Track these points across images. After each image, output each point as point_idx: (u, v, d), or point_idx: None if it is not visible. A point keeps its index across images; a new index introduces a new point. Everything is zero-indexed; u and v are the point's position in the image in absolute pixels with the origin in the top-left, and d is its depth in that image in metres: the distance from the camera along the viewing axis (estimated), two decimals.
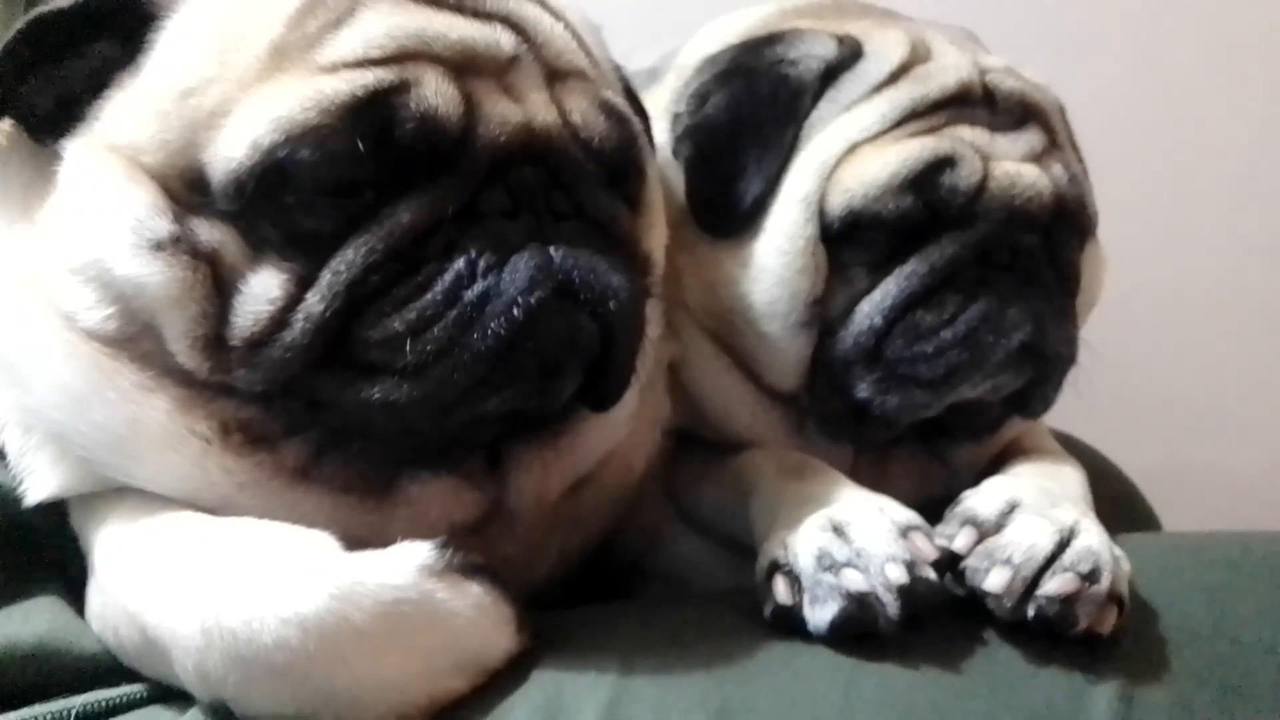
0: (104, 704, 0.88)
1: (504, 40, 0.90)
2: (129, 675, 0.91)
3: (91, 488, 0.93)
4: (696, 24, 1.32)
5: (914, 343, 1.10)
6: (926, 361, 1.10)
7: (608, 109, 0.95)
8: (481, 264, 0.84)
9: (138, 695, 0.89)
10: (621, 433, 1.08)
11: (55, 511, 0.96)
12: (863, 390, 1.13)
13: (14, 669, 0.89)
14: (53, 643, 0.91)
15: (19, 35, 0.88)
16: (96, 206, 0.87)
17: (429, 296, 0.83)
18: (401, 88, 0.84)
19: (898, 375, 1.12)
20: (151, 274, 0.84)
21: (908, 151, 1.10)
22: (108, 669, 0.91)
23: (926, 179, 1.10)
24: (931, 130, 1.13)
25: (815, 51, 1.17)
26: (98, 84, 0.90)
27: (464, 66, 0.88)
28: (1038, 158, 1.15)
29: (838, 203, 1.11)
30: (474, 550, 0.85)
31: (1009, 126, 1.16)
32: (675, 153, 1.19)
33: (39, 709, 0.87)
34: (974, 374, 1.11)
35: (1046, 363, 1.14)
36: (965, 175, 1.10)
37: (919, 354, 1.10)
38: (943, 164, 1.10)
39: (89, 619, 0.94)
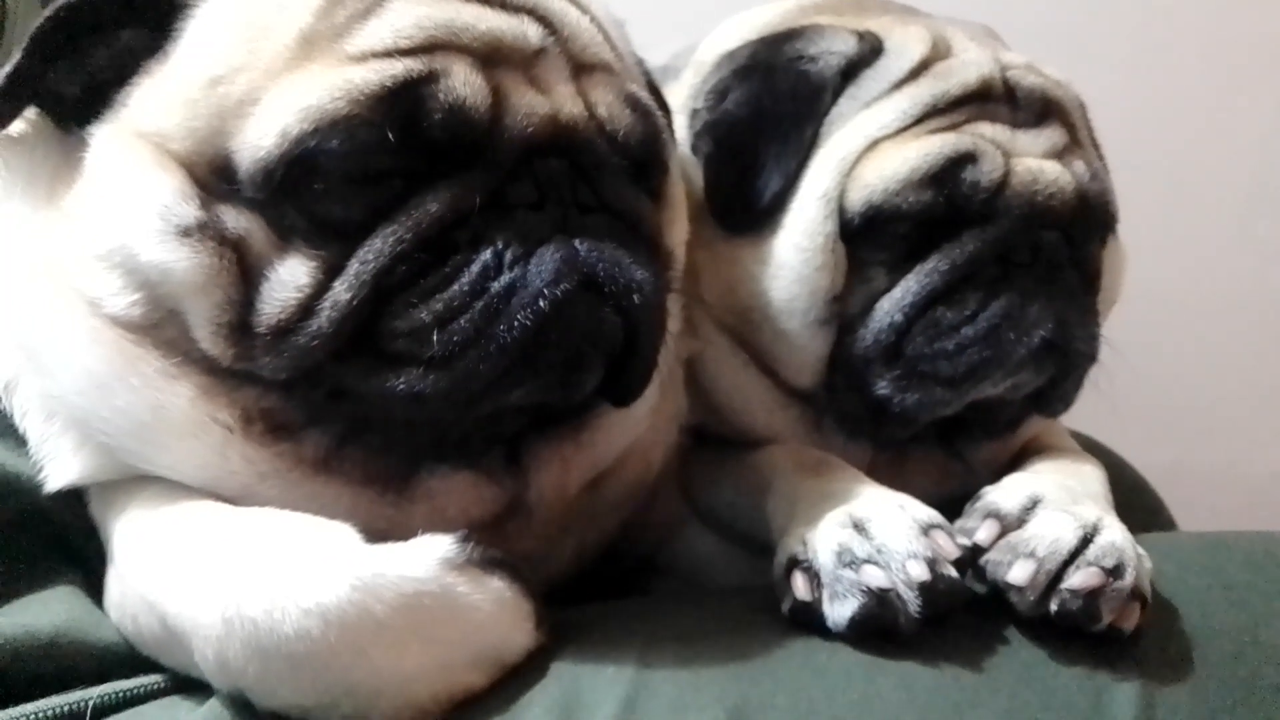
0: (122, 694, 0.88)
1: (531, 32, 0.90)
2: (147, 665, 0.91)
3: (112, 475, 0.93)
4: (711, 20, 1.32)
5: (935, 340, 1.10)
6: (947, 359, 1.10)
7: (633, 102, 0.95)
8: (508, 256, 0.85)
9: (156, 686, 0.90)
10: (641, 428, 1.08)
11: (74, 499, 0.96)
12: (882, 388, 1.13)
13: (32, 659, 0.89)
14: (71, 632, 0.91)
15: (47, 22, 0.89)
16: (123, 192, 0.87)
17: (456, 287, 0.84)
18: (430, 78, 0.84)
19: (918, 372, 1.11)
20: (178, 260, 0.84)
21: (929, 147, 1.10)
22: (126, 659, 0.91)
23: (947, 175, 1.10)
24: (953, 126, 1.13)
25: (835, 48, 1.17)
26: (125, 71, 0.90)
27: (491, 58, 0.88)
28: (1059, 154, 1.15)
29: (857, 199, 1.11)
30: (492, 545, 0.85)
31: (1030, 123, 1.16)
32: (694, 149, 1.19)
33: (56, 700, 0.87)
34: (995, 371, 1.11)
35: (1067, 361, 1.14)
36: (986, 171, 1.10)
37: (940, 351, 1.10)
38: (964, 160, 1.10)
39: (107, 608, 0.94)
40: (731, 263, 1.17)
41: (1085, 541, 0.90)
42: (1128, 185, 1.24)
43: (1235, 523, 1.14)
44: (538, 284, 0.84)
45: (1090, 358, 1.16)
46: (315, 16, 0.86)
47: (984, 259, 1.10)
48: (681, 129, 1.19)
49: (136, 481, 0.92)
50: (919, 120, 1.13)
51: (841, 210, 1.12)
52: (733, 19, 1.29)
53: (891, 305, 1.12)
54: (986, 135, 1.12)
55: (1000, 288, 1.10)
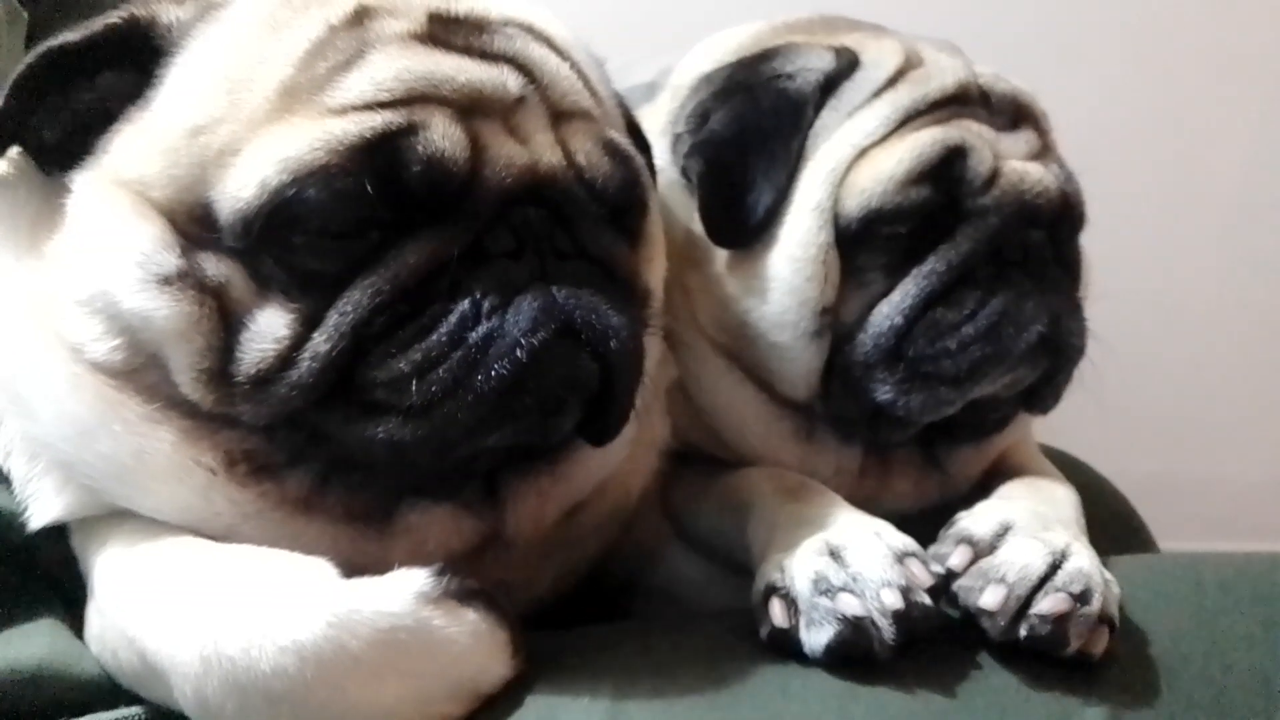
0: None
1: (510, 82, 0.91)
2: (128, 698, 0.91)
3: (94, 511, 0.93)
4: (697, 36, 1.33)
5: (936, 340, 1.11)
6: (950, 358, 1.11)
7: (611, 149, 0.96)
8: (486, 305, 0.85)
9: (135, 717, 0.90)
10: (618, 459, 1.08)
11: (56, 533, 0.96)
12: (884, 392, 1.14)
13: (14, 691, 0.89)
14: (52, 665, 0.91)
15: (29, 67, 0.89)
16: (104, 239, 0.87)
17: (434, 338, 0.84)
18: (409, 130, 0.84)
19: (920, 374, 1.12)
20: (158, 307, 0.85)
21: (919, 143, 1.12)
22: (107, 692, 0.92)
23: (942, 169, 1.11)
24: (937, 124, 1.14)
25: (812, 64, 1.18)
26: (106, 117, 0.90)
27: (471, 108, 0.88)
28: (1037, 156, 1.17)
29: (854, 205, 1.12)
30: (471, 575, 0.86)
31: (1006, 126, 1.18)
32: (684, 170, 1.19)
33: None
34: (996, 368, 1.12)
35: (1061, 355, 1.16)
36: (977, 163, 1.12)
37: (942, 351, 1.11)
38: (955, 153, 1.12)
39: (88, 641, 0.94)
40: (723, 282, 1.18)
41: (1054, 568, 0.90)
42: (1114, 194, 1.26)
43: (1217, 533, 1.15)
44: (515, 333, 0.84)
45: (1080, 351, 1.18)
46: (296, 68, 0.86)
47: (979, 258, 1.12)
48: (662, 154, 1.20)
49: (117, 516, 0.92)
50: (901, 124, 1.14)
51: (836, 219, 1.13)
52: (705, 42, 1.30)
53: (891, 309, 1.13)
54: (973, 130, 1.14)
55: (996, 286, 1.12)
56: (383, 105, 0.85)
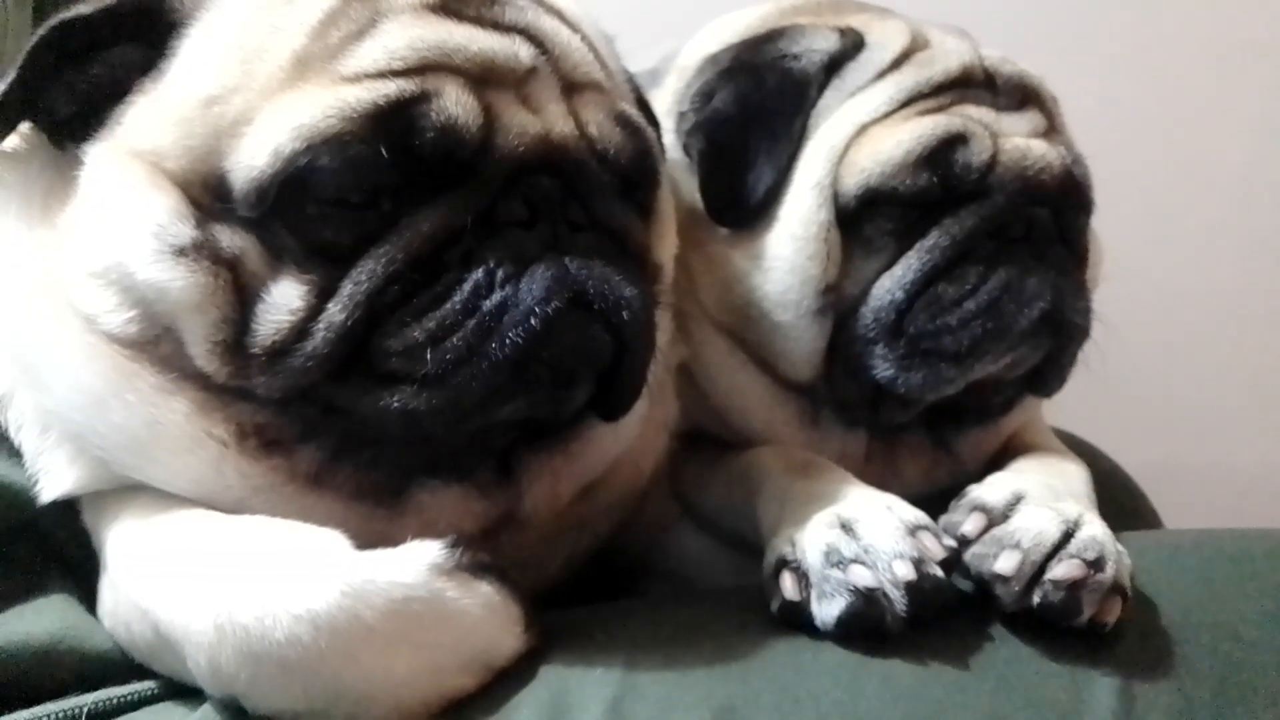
0: (116, 701, 0.89)
1: (523, 52, 0.91)
2: (141, 672, 0.92)
3: (105, 485, 0.93)
4: (697, 24, 1.33)
5: (937, 315, 1.11)
6: (951, 334, 1.11)
7: (623, 120, 0.96)
8: (499, 274, 0.85)
9: (149, 692, 0.90)
10: (630, 438, 1.09)
11: (67, 508, 0.96)
12: (885, 369, 1.14)
13: (26, 666, 0.89)
14: (65, 640, 0.92)
15: (41, 40, 0.89)
16: (118, 211, 0.88)
17: (448, 306, 0.84)
18: (422, 98, 0.85)
19: (921, 350, 1.12)
20: (173, 279, 0.85)
21: (920, 129, 1.12)
22: (120, 666, 0.92)
23: (940, 156, 1.11)
24: (939, 109, 1.14)
25: (817, 45, 1.19)
26: (119, 89, 0.90)
27: (483, 78, 0.89)
28: (1041, 136, 1.17)
29: (853, 183, 1.12)
30: (485, 553, 0.85)
31: (1011, 107, 1.18)
32: (686, 148, 1.20)
33: (51, 706, 0.87)
34: (997, 345, 1.12)
35: (1063, 334, 1.15)
36: (976, 152, 1.12)
37: (943, 326, 1.11)
38: (954, 141, 1.12)
39: (101, 616, 0.95)
40: (726, 262, 1.18)
41: (1067, 536, 0.90)
42: (1118, 181, 1.25)
43: (1224, 519, 1.15)
44: (529, 302, 0.84)
45: (1085, 331, 1.18)
46: (309, 38, 0.86)
47: (981, 234, 1.12)
48: (668, 134, 1.20)
49: (129, 490, 0.92)
50: (905, 104, 1.15)
51: (836, 197, 1.13)
52: (712, 24, 1.31)
53: (893, 283, 1.13)
54: (973, 117, 1.14)
55: (999, 262, 1.12)
56: (396, 74, 0.85)
